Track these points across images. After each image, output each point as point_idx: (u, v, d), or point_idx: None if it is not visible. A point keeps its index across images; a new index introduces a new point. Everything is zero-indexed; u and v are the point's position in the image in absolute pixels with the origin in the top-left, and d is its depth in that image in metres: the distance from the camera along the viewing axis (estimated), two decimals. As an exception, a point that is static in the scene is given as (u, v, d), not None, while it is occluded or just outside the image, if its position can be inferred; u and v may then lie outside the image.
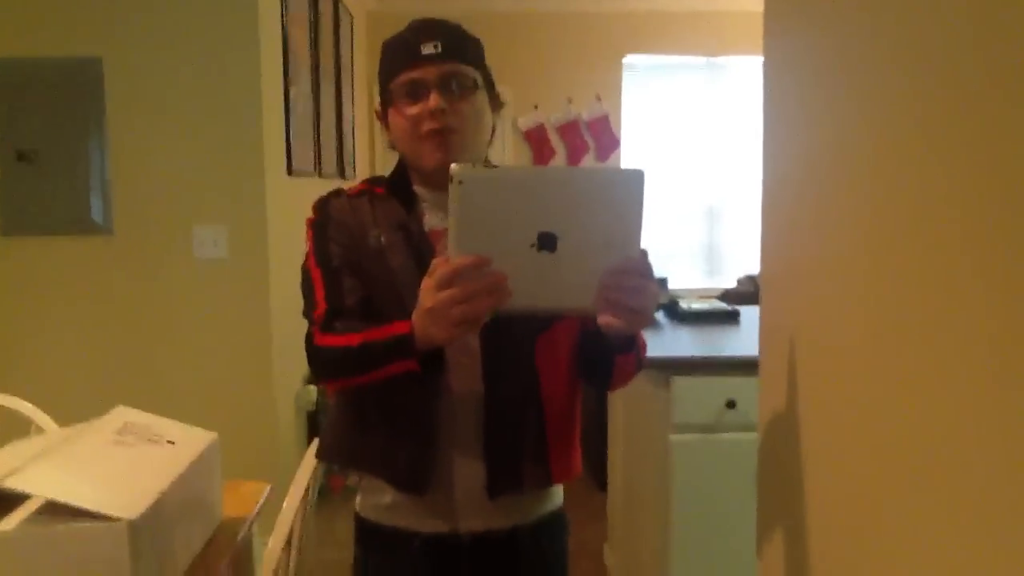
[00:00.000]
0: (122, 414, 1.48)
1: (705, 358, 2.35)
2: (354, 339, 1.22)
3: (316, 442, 1.48)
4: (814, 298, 1.09)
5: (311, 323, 1.30)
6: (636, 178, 1.00)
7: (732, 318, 2.90)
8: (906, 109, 0.82)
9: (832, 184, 1.02)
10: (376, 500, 1.37)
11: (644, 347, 1.35)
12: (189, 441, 1.44)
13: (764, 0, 1.25)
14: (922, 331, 0.80)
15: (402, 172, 1.38)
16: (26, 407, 2.03)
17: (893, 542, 0.87)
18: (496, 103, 1.38)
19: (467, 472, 1.30)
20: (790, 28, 1.17)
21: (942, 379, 0.76)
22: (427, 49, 1.27)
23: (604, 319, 1.14)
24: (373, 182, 1.40)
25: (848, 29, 0.96)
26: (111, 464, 1.30)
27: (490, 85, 1.36)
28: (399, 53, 1.31)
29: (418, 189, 1.36)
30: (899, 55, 0.84)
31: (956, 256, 0.73)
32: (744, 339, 2.61)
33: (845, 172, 0.98)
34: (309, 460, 1.62)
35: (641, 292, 1.05)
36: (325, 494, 3.75)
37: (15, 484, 1.16)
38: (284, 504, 1.58)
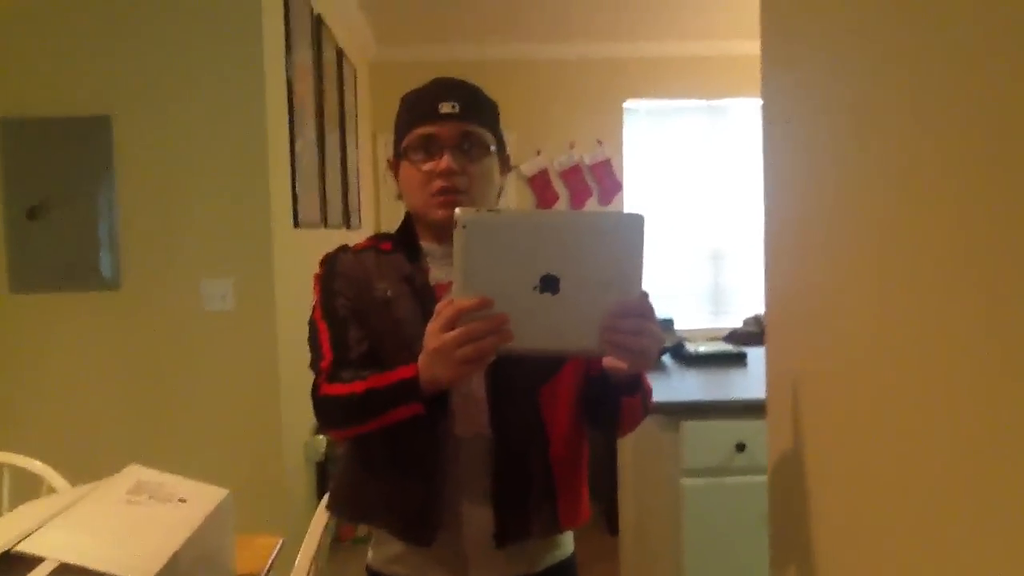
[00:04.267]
0: (134, 473, 1.48)
1: (713, 402, 2.35)
2: (359, 386, 1.24)
3: (328, 495, 1.48)
4: (820, 339, 1.10)
5: (317, 374, 1.32)
6: (636, 222, 1.03)
7: (739, 360, 2.90)
8: (908, 147, 0.84)
9: (835, 225, 1.03)
10: (385, 551, 1.38)
11: (650, 392, 1.36)
12: (201, 499, 1.44)
13: (761, 43, 1.28)
14: (928, 370, 0.80)
15: (408, 227, 1.41)
16: (37, 466, 2.03)
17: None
18: (505, 166, 1.42)
19: (474, 521, 1.31)
20: (787, 69, 1.19)
21: (950, 417, 0.77)
22: (445, 108, 1.31)
23: (608, 360, 1.16)
24: (379, 238, 1.43)
25: (846, 68, 0.98)
26: (124, 524, 1.30)
27: (501, 148, 1.39)
28: (417, 108, 1.35)
29: (424, 244, 1.38)
30: (899, 92, 0.85)
31: (963, 295, 0.74)
32: (752, 381, 2.61)
33: (848, 212, 0.99)
34: (321, 513, 1.62)
35: (642, 333, 1.07)
36: (335, 543, 3.73)
37: (29, 548, 1.16)
38: (297, 559, 1.58)
